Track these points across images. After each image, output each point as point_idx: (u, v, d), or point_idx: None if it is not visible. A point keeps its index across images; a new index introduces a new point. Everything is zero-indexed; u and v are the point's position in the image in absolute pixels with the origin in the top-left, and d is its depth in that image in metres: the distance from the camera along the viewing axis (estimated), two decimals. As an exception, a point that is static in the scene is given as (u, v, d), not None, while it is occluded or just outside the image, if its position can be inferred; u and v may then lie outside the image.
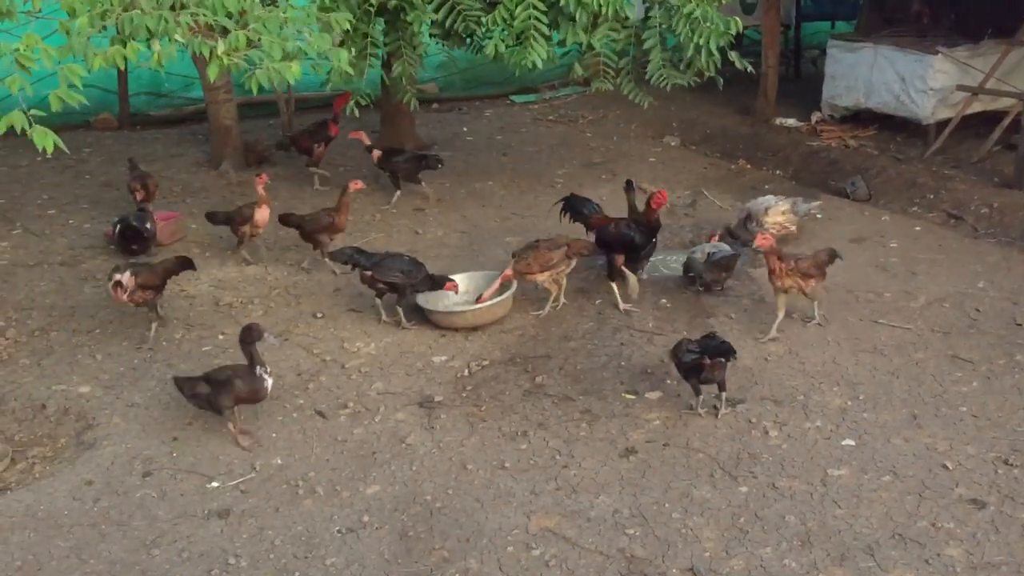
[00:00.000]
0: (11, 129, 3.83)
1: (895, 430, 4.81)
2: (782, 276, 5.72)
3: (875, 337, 5.80)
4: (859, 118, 10.27)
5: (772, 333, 5.78)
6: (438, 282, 6.10)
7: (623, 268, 6.25)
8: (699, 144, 10.52)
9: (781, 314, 5.81)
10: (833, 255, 6.00)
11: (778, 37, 11.43)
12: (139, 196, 7.52)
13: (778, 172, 9.55)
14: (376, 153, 8.37)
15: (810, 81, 11.86)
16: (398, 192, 8.37)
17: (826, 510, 4.21)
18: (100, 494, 4.45)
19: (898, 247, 7.27)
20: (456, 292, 6.11)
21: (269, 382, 4.86)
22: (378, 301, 6.17)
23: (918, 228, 7.73)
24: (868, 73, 9.91)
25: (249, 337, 4.82)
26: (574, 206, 6.96)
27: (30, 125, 3.80)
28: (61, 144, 3.89)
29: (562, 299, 6.27)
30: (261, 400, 4.91)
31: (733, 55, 7.10)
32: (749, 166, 9.74)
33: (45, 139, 3.82)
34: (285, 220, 7.08)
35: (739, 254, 6.60)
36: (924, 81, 9.36)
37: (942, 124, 9.33)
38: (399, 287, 6.04)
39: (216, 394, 4.78)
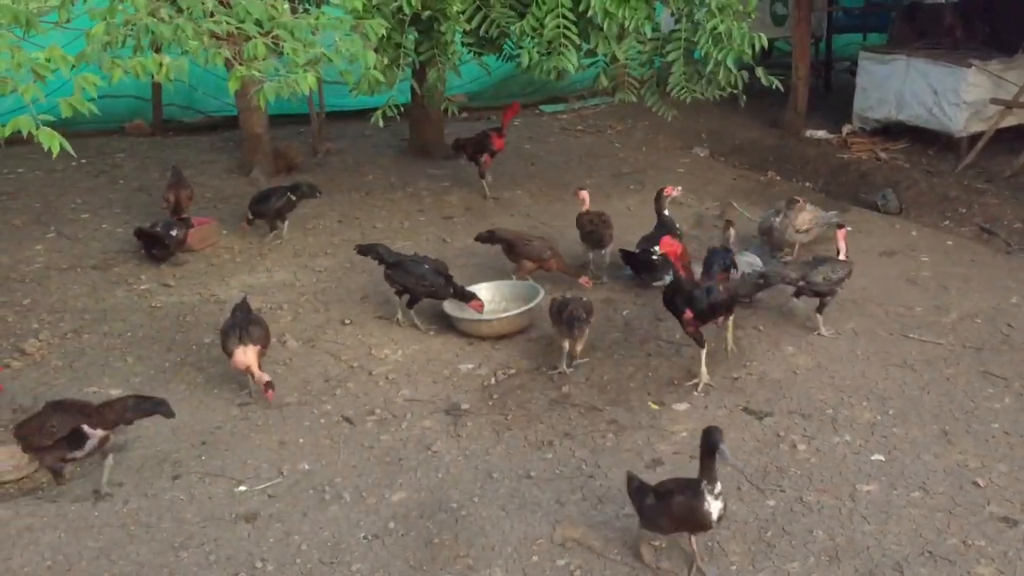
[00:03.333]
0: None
1: (925, 446, 4.76)
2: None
3: (906, 352, 5.74)
4: (890, 131, 10.21)
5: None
6: (463, 295, 6.10)
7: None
8: (728, 155, 10.49)
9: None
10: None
11: (809, 49, 11.39)
12: (166, 206, 7.62)
13: (807, 184, 9.50)
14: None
15: (841, 93, 11.81)
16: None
17: (855, 526, 4.17)
18: (129, 496, 4.50)
19: (929, 261, 7.20)
20: (481, 312, 6.10)
21: (716, 507, 3.77)
22: (398, 299, 6.21)
23: (950, 242, 7.65)
24: (900, 85, 9.85)
25: (712, 442, 3.77)
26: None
27: (37, 127, 3.83)
28: (67, 147, 3.90)
29: (577, 360, 5.71)
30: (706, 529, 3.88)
31: (759, 71, 7.08)
32: (778, 178, 9.70)
33: (51, 141, 3.84)
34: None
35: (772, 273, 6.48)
36: (957, 94, 9.30)
37: (975, 138, 9.26)
38: (411, 291, 6.08)
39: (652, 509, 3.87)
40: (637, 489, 3.97)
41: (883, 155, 9.76)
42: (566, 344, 5.56)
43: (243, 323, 5.26)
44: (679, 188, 7.19)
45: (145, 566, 4.02)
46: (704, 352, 5.38)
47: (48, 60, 3.66)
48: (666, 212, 6.86)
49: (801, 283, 5.84)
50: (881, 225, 8.06)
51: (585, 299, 5.78)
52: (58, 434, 4.39)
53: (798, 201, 7.23)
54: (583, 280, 6.55)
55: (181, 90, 11.03)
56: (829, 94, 12.60)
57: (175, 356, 5.85)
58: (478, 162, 8.80)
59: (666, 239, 5.38)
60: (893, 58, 10.00)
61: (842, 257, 6.02)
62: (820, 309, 5.96)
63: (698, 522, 3.78)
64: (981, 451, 4.70)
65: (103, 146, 10.42)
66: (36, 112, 3.78)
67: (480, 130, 9.11)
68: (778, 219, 7.17)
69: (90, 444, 4.50)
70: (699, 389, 5.33)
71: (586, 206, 7.23)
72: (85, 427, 4.44)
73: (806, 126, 10.72)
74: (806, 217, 7.19)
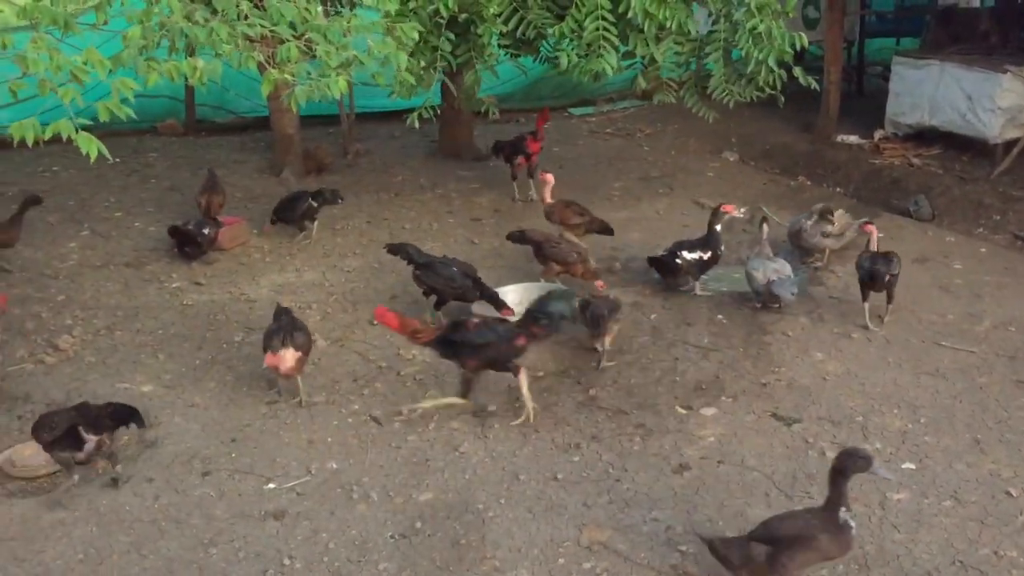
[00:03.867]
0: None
1: (957, 455, 4.71)
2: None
3: (938, 360, 5.69)
4: (923, 136, 10.10)
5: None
6: (495, 301, 6.10)
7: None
8: (758, 160, 10.43)
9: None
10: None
11: (841, 53, 11.30)
12: (200, 207, 7.72)
13: (838, 190, 9.44)
14: None
15: (873, 98, 11.71)
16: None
17: (885, 534, 4.13)
18: (160, 491, 4.54)
19: (962, 268, 7.13)
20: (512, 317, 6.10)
21: (853, 531, 3.55)
22: (426, 300, 6.24)
23: (983, 250, 7.57)
24: (933, 91, 9.75)
25: (849, 465, 3.52)
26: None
27: (76, 131, 3.89)
28: (105, 151, 3.97)
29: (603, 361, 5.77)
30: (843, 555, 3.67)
31: (797, 71, 7.04)
32: (809, 183, 9.64)
33: (89, 145, 3.91)
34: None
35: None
36: (992, 100, 9.19)
37: (1010, 144, 9.15)
38: (440, 292, 6.11)
39: (783, 554, 3.51)
40: (727, 545, 3.60)
41: (916, 161, 9.67)
42: (597, 345, 5.62)
43: (288, 328, 5.24)
44: (743, 210, 6.87)
45: (175, 561, 4.07)
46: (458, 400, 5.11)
47: (85, 63, 3.71)
48: (718, 228, 6.66)
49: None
50: (913, 232, 7.98)
51: (612, 297, 5.84)
52: (56, 431, 4.44)
53: (831, 212, 7.15)
54: (598, 284, 6.46)
55: (213, 91, 11.14)
56: (861, 99, 12.50)
57: (205, 354, 5.91)
58: (512, 164, 8.81)
59: (379, 309, 5.08)
60: (927, 63, 9.90)
61: (872, 249, 6.13)
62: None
63: (842, 554, 3.53)
64: (1014, 461, 4.64)
65: (136, 145, 10.55)
66: (74, 114, 3.84)
67: (518, 134, 9.12)
68: (808, 223, 7.11)
69: (88, 447, 4.54)
70: (529, 419, 5.06)
71: (549, 187, 7.23)
72: (81, 429, 4.48)
73: (837, 131, 10.63)
74: (837, 223, 7.13)
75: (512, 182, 8.90)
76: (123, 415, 4.73)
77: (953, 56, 9.89)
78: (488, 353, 4.93)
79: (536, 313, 4.98)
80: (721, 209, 6.71)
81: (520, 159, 8.74)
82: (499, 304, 6.08)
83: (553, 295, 5.06)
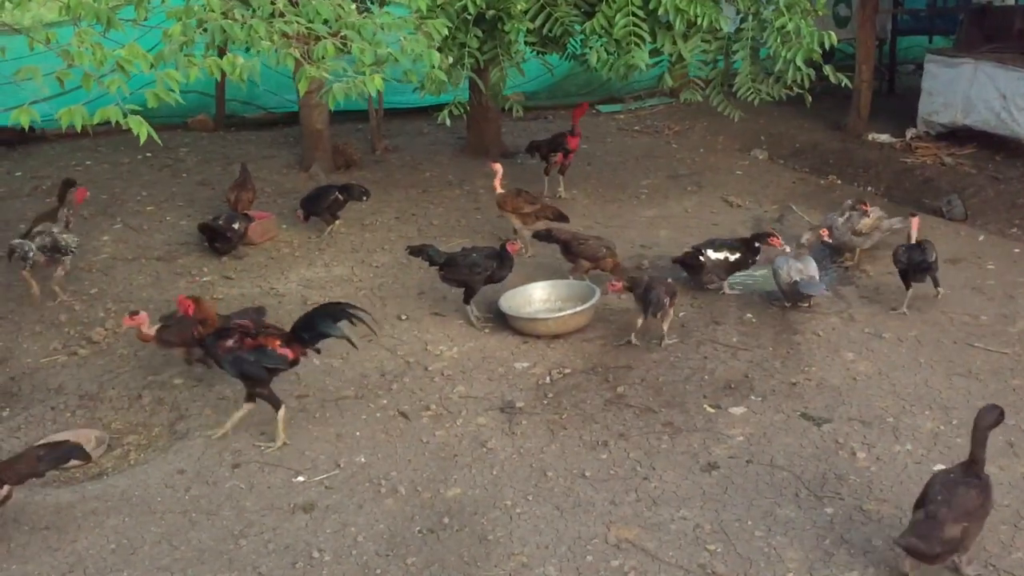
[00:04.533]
0: (114, 127, 4.00)
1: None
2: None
3: (970, 361, 5.62)
4: (956, 136, 10.00)
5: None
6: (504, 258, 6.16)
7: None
8: (787, 158, 10.36)
9: None
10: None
11: (873, 51, 11.21)
12: (229, 203, 7.79)
13: (870, 189, 9.35)
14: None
15: (905, 97, 11.60)
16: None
17: (915, 536, 4.09)
18: (191, 483, 4.59)
19: (995, 269, 7.04)
20: (515, 251, 6.21)
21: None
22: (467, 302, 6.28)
23: (1017, 250, 7.47)
24: (967, 89, 9.65)
25: (992, 421, 3.78)
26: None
27: (124, 116, 3.95)
28: (155, 135, 4.03)
29: (664, 339, 5.91)
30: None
31: (827, 69, 6.99)
32: (839, 182, 9.56)
33: (140, 128, 3.99)
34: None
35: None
36: (1027, 99, 9.07)
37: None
38: (468, 283, 6.14)
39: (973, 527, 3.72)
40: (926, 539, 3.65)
41: (948, 160, 9.56)
42: (639, 321, 5.85)
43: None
44: (787, 249, 6.50)
45: (206, 552, 4.10)
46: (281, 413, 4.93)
47: (128, 57, 3.76)
48: (757, 245, 6.64)
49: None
50: (946, 232, 7.89)
51: (670, 281, 6.04)
52: None
53: (864, 202, 7.09)
54: (611, 285, 6.19)
55: (243, 86, 11.21)
56: (893, 97, 12.38)
57: (235, 347, 5.95)
58: (549, 161, 8.80)
59: (181, 297, 4.97)
60: (960, 61, 9.80)
61: (913, 240, 6.33)
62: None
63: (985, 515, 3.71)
64: (1048, 464, 4.58)
65: (167, 140, 10.59)
66: (123, 102, 3.90)
67: (557, 131, 9.12)
68: (841, 219, 7.04)
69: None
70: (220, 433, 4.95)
71: (498, 176, 7.26)
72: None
73: (869, 129, 10.55)
74: (868, 222, 7.06)
75: (545, 177, 8.89)
76: (59, 457, 4.36)
77: (987, 55, 9.78)
78: (246, 369, 4.78)
79: (300, 330, 4.86)
80: (770, 242, 6.58)
81: (558, 155, 8.72)
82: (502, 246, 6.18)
83: (319, 312, 4.91)
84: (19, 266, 6.36)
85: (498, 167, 7.36)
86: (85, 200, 7.24)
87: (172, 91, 3.95)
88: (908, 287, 6.25)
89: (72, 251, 6.50)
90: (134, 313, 5.30)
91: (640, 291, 5.85)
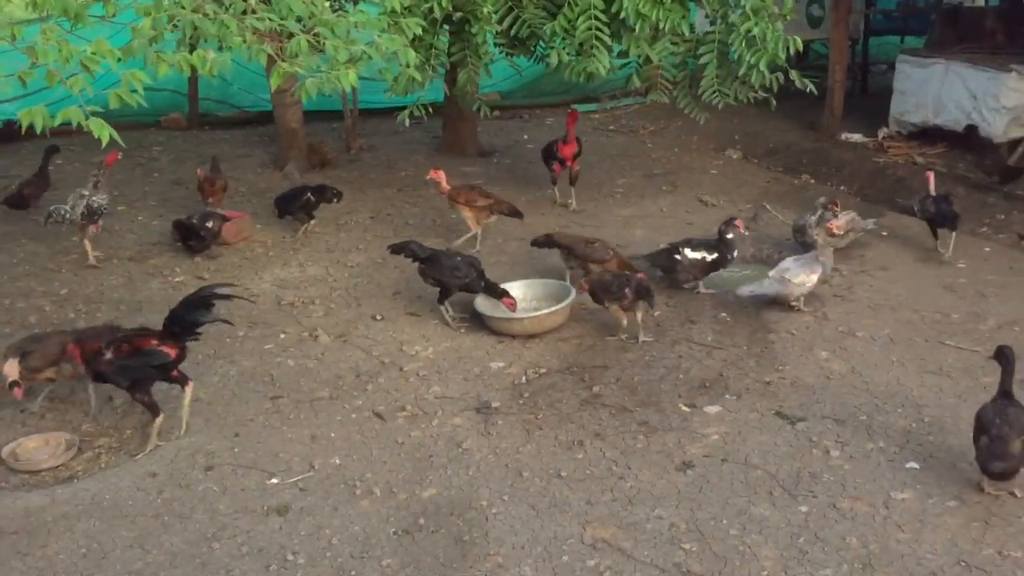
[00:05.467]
0: (83, 128, 3.92)
1: (961, 455, 4.69)
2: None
3: (941, 359, 5.68)
4: (928, 135, 10.09)
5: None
6: (495, 292, 6.10)
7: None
8: (762, 158, 10.42)
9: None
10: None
11: (846, 51, 11.29)
12: (201, 192, 7.81)
13: (843, 188, 9.42)
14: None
15: (877, 97, 11.69)
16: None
17: (889, 533, 4.12)
18: (163, 486, 4.54)
19: (967, 268, 7.11)
20: (514, 310, 6.10)
21: None
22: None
23: (988, 249, 7.55)
24: (938, 89, 9.75)
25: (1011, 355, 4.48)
26: None
27: (86, 118, 3.88)
28: (116, 136, 3.95)
29: (640, 335, 5.98)
30: None
31: (793, 74, 7.03)
32: (813, 181, 9.62)
33: (102, 130, 3.90)
34: None
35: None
36: (996, 99, 9.19)
37: (1014, 143, 9.13)
38: (445, 284, 6.11)
39: None
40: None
41: (920, 159, 9.65)
42: (625, 320, 5.92)
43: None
44: (745, 232, 6.89)
45: (178, 556, 4.06)
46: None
47: (95, 54, 3.70)
48: (729, 236, 6.62)
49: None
50: (918, 231, 7.96)
51: (641, 276, 6.06)
52: None
53: (835, 203, 7.14)
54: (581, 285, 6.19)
55: (217, 85, 11.14)
56: (866, 97, 12.48)
57: (209, 348, 5.89)
58: (550, 169, 8.64)
59: (69, 344, 4.96)
60: (932, 62, 9.89)
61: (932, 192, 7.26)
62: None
63: None
64: (1018, 461, 4.62)
65: (140, 139, 10.53)
66: (85, 104, 3.83)
67: (549, 141, 8.96)
68: (813, 218, 7.08)
69: None
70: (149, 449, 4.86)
71: (442, 179, 7.27)
72: None
73: (842, 129, 10.63)
74: (841, 222, 7.11)
75: (553, 187, 8.73)
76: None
77: (958, 55, 9.88)
78: (135, 375, 4.79)
79: (172, 323, 4.88)
80: (736, 224, 6.65)
81: (555, 165, 8.48)
82: (499, 294, 6.08)
83: (184, 303, 4.94)
84: (57, 227, 7.20)
85: (439, 174, 7.30)
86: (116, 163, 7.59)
87: (136, 92, 3.87)
88: (934, 235, 7.16)
89: (105, 210, 7.19)
90: None
91: (612, 287, 5.86)
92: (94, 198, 7.01)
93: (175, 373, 4.92)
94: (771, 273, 6.32)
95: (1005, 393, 4.43)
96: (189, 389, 4.95)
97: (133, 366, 4.77)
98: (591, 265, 6.50)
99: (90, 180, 7.10)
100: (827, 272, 6.40)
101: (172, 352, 4.83)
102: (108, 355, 4.76)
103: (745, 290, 6.29)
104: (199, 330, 4.94)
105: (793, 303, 6.26)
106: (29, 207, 7.96)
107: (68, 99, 3.93)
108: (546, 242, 6.75)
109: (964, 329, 6.06)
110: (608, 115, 12.48)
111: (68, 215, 6.97)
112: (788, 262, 6.32)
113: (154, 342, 4.82)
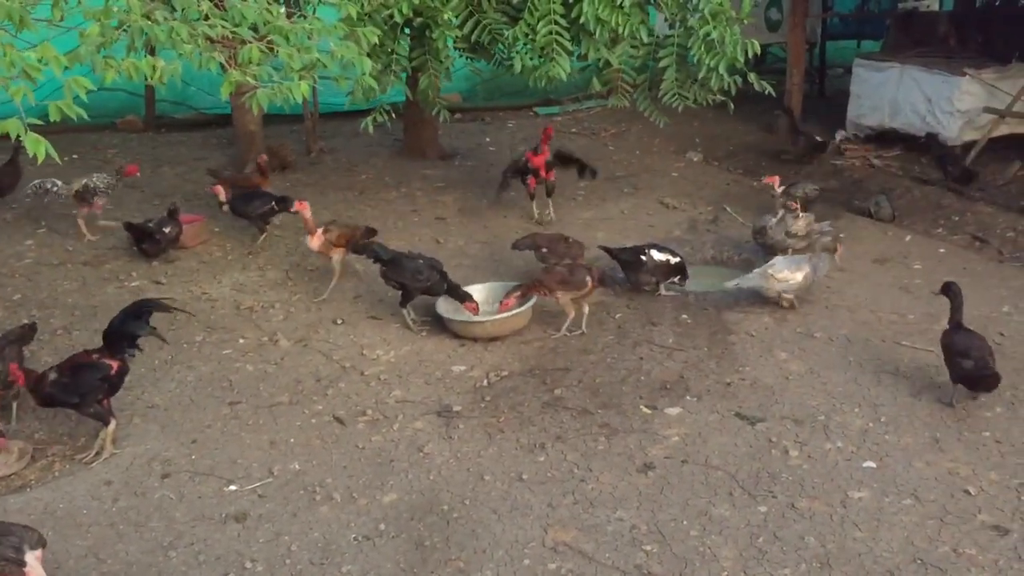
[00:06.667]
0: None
1: (917, 453, 4.76)
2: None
3: (898, 359, 5.75)
4: (884, 138, 10.23)
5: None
6: (458, 295, 6.09)
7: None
8: (722, 160, 10.50)
9: None
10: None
11: (803, 55, 11.42)
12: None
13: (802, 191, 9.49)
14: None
15: (834, 99, 11.83)
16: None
17: (846, 532, 4.17)
18: (119, 494, 4.47)
19: (922, 269, 7.22)
20: (476, 314, 6.08)
21: None
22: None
23: (942, 250, 7.67)
24: (894, 93, 9.89)
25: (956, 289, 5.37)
26: None
27: (25, 131, 3.75)
28: (53, 153, 3.80)
29: (583, 327, 6.11)
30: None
31: (752, 76, 7.10)
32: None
33: (37, 147, 3.73)
34: None
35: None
36: (951, 102, 9.34)
37: (968, 146, 9.28)
38: (407, 287, 6.08)
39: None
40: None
41: (876, 162, 9.79)
42: (573, 311, 6.07)
43: None
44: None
45: (134, 565, 4.00)
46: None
47: (40, 60, 3.60)
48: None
49: None
50: (874, 232, 8.07)
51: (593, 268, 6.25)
52: None
53: (794, 201, 7.21)
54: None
55: (174, 87, 10.92)
56: (823, 100, 12.63)
57: (165, 354, 5.82)
58: (525, 184, 8.49)
59: (13, 367, 4.91)
60: (888, 65, 10.03)
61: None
62: None
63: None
64: (972, 459, 4.70)
65: (96, 142, 10.38)
66: (25, 113, 3.71)
67: (518, 154, 8.78)
68: (773, 220, 7.15)
69: None
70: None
71: (308, 214, 6.78)
72: None
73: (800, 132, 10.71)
74: (801, 224, 7.18)
75: (531, 201, 8.62)
76: None
77: (913, 59, 10.03)
78: (82, 390, 4.76)
79: (109, 339, 4.95)
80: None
81: (530, 178, 8.28)
82: (462, 297, 6.06)
83: (121, 316, 5.06)
84: (43, 200, 7.59)
85: (305, 206, 6.68)
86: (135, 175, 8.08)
87: (80, 98, 3.74)
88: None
89: (101, 191, 7.54)
90: None
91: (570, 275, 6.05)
92: (95, 177, 7.53)
93: (118, 384, 4.89)
94: (757, 268, 6.42)
95: (958, 324, 5.15)
96: (111, 428, 4.82)
97: (79, 382, 4.74)
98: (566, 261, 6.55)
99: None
100: (820, 274, 6.45)
101: (114, 365, 4.81)
102: (53, 376, 4.76)
103: (731, 283, 6.41)
104: (137, 342, 4.99)
105: (784, 302, 6.35)
106: (4, 196, 8.14)
107: (11, 105, 3.81)
108: (529, 244, 6.81)
109: (919, 329, 6.14)
110: (570, 117, 12.51)
111: (55, 189, 7.46)
112: (779, 259, 6.46)
113: (94, 356, 4.83)
